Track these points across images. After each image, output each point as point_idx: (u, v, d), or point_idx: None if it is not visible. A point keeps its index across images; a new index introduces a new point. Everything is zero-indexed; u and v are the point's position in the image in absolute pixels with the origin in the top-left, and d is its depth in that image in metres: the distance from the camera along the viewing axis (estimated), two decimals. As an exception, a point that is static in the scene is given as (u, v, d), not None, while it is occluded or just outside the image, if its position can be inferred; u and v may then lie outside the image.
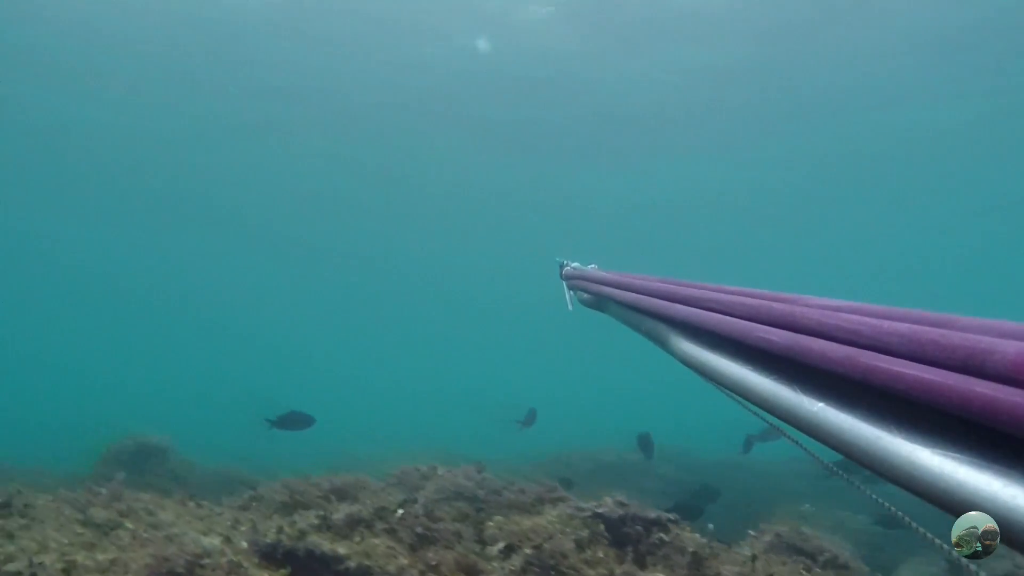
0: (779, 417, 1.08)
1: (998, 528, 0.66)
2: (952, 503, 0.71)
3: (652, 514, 5.18)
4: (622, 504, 5.22)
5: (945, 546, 0.81)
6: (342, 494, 6.09)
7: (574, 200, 28.42)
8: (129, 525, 5.00)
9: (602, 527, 5.08)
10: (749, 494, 11.16)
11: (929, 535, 0.90)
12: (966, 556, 0.69)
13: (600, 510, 5.18)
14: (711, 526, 6.38)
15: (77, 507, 5.41)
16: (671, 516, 5.24)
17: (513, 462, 14.89)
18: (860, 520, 9.60)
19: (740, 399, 1.25)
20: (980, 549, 0.67)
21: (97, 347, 49.63)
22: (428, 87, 18.54)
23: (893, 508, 1.04)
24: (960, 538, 0.68)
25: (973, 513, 0.67)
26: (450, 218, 29.05)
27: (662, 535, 5.07)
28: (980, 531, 0.67)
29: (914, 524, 0.98)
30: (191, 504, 5.74)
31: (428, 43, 16.69)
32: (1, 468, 12.78)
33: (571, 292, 3.06)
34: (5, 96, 18.15)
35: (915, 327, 0.86)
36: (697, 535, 5.22)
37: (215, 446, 17.34)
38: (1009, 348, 0.71)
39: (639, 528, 5.10)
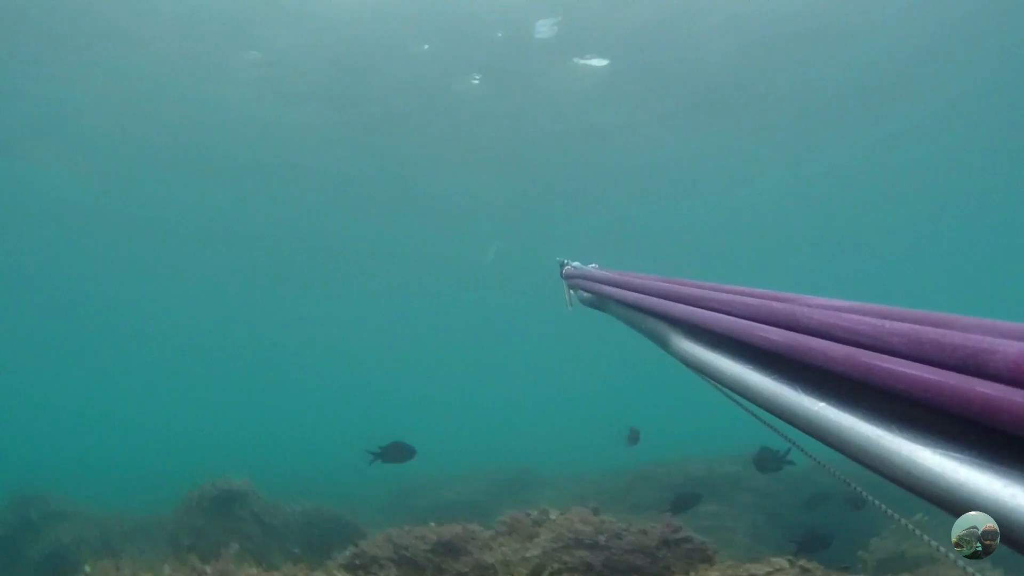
0: (780, 417, 1.08)
1: (998, 528, 0.66)
2: (952, 503, 0.71)
3: None
4: (805, 570, 4.72)
5: (943, 547, 0.81)
6: (451, 548, 5.69)
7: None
8: (244, 612, 4.58)
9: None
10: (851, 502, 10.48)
11: (926, 536, 0.90)
12: (966, 556, 0.69)
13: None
14: None
15: (186, 591, 4.97)
16: None
17: (598, 477, 14.50)
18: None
19: (740, 399, 1.25)
20: (980, 549, 0.68)
21: (169, 389, 50.11)
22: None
23: (889, 509, 1.04)
24: (960, 538, 0.68)
25: (973, 513, 0.67)
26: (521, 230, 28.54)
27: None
28: (980, 531, 0.67)
29: (913, 527, 0.98)
30: (302, 577, 5.31)
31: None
32: (84, 513, 12.86)
33: (571, 291, 3.06)
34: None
35: (916, 327, 0.87)
36: None
37: (294, 478, 17.21)
38: (1010, 348, 0.71)
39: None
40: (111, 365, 50.14)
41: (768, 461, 9.99)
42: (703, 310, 1.45)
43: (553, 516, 6.16)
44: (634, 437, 11.52)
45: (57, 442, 34.24)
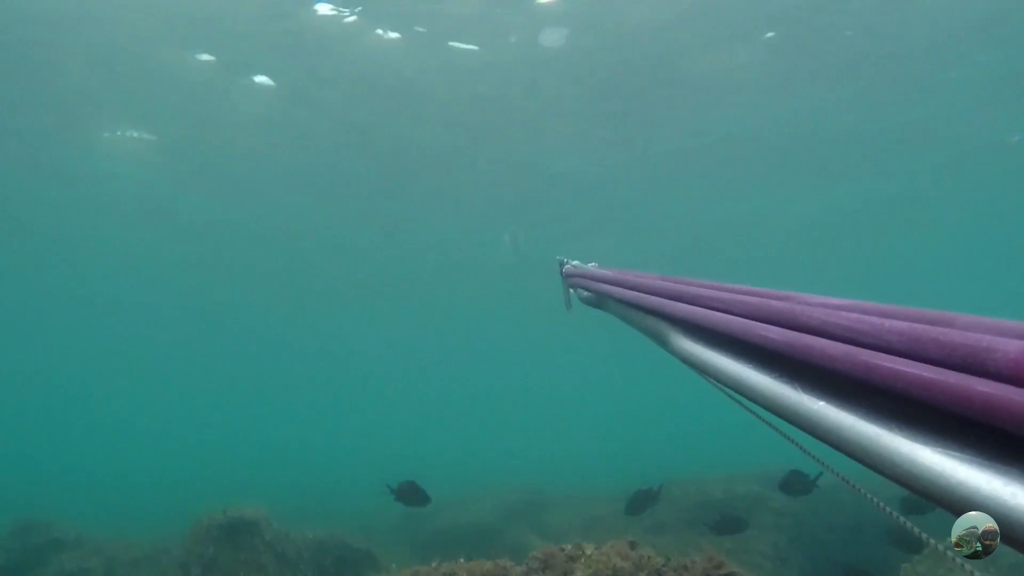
0: (779, 415, 1.07)
1: (998, 528, 0.65)
2: (952, 502, 0.70)
3: None
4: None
5: (941, 546, 0.81)
6: (482, 585, 5.50)
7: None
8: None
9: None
10: (875, 523, 10.25)
11: (927, 536, 0.90)
12: (966, 556, 0.69)
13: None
14: None
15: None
16: None
17: (611, 497, 14.27)
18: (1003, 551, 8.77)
19: (740, 397, 1.24)
20: (980, 549, 0.67)
21: (179, 412, 49.84)
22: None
23: (893, 512, 1.04)
24: (960, 538, 0.68)
25: (973, 513, 0.67)
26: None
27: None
28: (980, 531, 0.67)
29: (916, 528, 0.98)
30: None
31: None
32: (89, 540, 12.48)
33: (571, 290, 3.06)
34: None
35: (915, 325, 0.86)
36: None
37: (305, 497, 16.95)
38: (1010, 347, 0.71)
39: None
40: (120, 387, 49.75)
41: (795, 485, 9.63)
42: (703, 308, 1.45)
43: (589, 551, 5.90)
44: (651, 496, 10.86)
45: (63, 466, 33.83)
